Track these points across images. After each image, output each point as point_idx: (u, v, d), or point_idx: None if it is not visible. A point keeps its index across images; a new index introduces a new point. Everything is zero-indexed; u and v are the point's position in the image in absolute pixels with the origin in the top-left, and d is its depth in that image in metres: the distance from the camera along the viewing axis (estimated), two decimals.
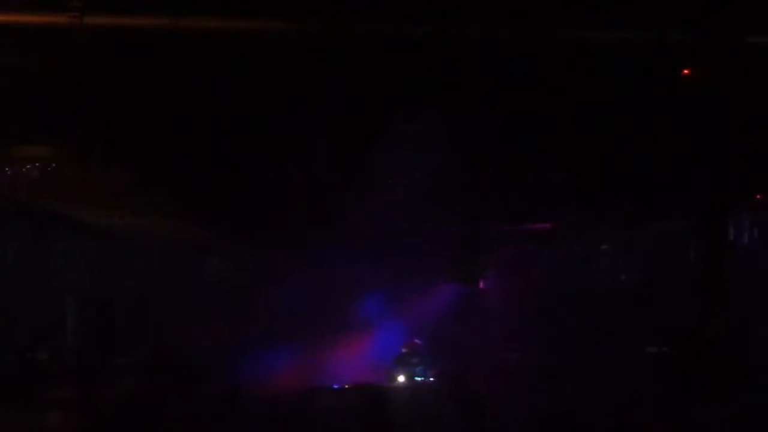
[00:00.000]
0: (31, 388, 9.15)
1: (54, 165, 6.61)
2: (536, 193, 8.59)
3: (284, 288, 12.48)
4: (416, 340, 11.65)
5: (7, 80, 4.75)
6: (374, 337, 12.31)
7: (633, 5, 4.24)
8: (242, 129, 6.38)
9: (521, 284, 12.45)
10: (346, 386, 10.77)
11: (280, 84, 5.23)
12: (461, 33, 4.29)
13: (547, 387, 9.61)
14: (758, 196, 8.32)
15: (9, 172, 6.79)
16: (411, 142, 6.60)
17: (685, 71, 4.72)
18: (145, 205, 8.71)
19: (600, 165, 7.41)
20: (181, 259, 12.24)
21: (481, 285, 11.96)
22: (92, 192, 8.01)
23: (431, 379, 11.22)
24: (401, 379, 10.78)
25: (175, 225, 10.14)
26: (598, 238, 11.64)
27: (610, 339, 11.19)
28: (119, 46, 4.24)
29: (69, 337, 11.41)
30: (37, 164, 6.60)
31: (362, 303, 12.58)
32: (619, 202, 9.07)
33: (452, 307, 12.40)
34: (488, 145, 6.87)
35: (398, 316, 12.16)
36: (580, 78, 5.07)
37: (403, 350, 11.59)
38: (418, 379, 11.06)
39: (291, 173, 7.73)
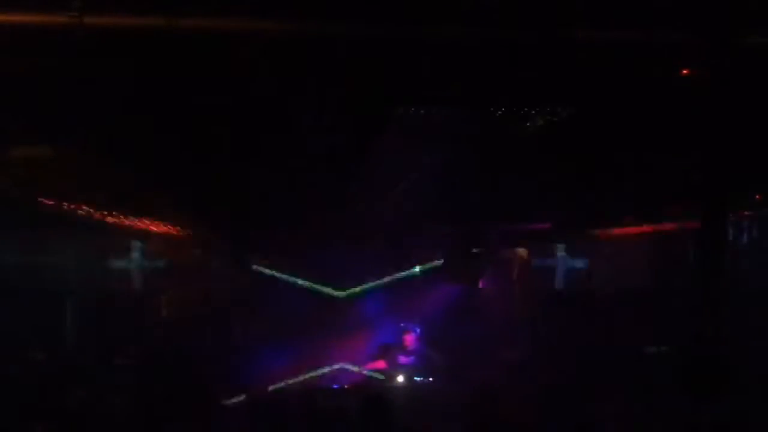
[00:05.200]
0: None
1: (54, 165, 6.60)
2: (535, 193, 8.59)
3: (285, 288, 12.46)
4: (409, 332, 11.44)
5: (6, 80, 4.75)
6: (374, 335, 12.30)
7: (632, 5, 4.23)
8: (241, 129, 6.38)
9: (520, 283, 12.45)
10: (346, 386, 10.77)
11: (280, 83, 5.23)
12: (460, 33, 4.28)
13: (548, 386, 9.61)
14: (758, 197, 8.34)
15: (9, 172, 6.79)
16: (411, 142, 6.61)
17: (685, 71, 4.72)
18: (146, 204, 8.72)
19: (598, 165, 7.42)
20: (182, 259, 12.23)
21: (481, 284, 11.95)
22: (92, 191, 8.02)
23: (431, 379, 11.19)
24: (400, 379, 10.75)
25: (177, 224, 10.17)
26: (598, 238, 11.63)
27: (610, 339, 11.20)
28: (119, 46, 4.23)
29: (68, 337, 11.42)
30: (36, 164, 6.59)
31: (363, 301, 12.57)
32: (618, 202, 9.08)
33: (452, 306, 12.39)
34: (487, 144, 6.88)
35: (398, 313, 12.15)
36: (578, 78, 5.07)
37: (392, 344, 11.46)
38: (418, 379, 11.03)
39: (291, 173, 7.74)
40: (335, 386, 10.78)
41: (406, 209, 9.36)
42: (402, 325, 11.53)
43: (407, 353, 11.28)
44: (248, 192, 8.55)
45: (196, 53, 4.41)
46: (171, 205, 8.89)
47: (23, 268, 11.02)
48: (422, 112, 5.85)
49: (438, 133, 6.52)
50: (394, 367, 10.99)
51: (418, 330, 11.43)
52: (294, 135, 6.50)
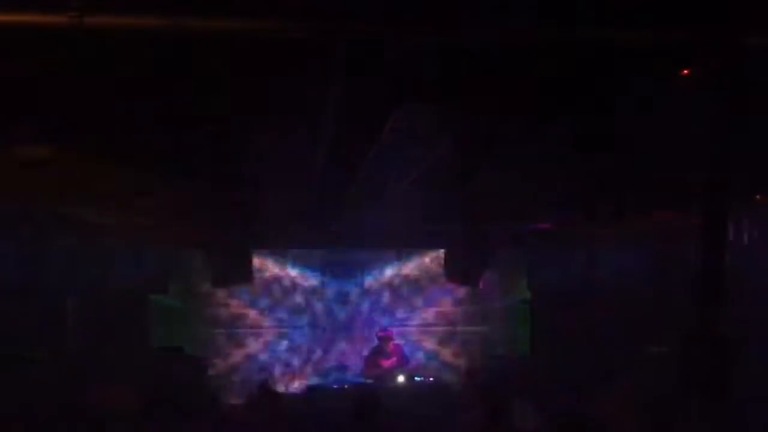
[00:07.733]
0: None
1: (53, 165, 6.60)
2: (536, 193, 8.60)
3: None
4: (387, 336, 11.45)
5: (6, 80, 4.75)
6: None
7: (633, 5, 4.23)
8: (241, 129, 6.39)
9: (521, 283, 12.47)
10: (346, 386, 10.80)
11: (280, 83, 5.24)
12: (460, 33, 4.29)
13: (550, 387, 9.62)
14: (758, 197, 8.33)
15: (9, 172, 6.79)
16: (412, 142, 6.61)
17: (685, 71, 4.72)
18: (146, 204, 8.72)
19: (599, 165, 7.42)
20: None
21: (481, 285, 11.99)
22: (92, 191, 8.02)
23: (431, 379, 11.22)
24: (401, 379, 10.77)
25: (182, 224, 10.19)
26: (598, 238, 11.64)
27: (610, 338, 11.21)
28: (120, 46, 4.23)
29: (69, 337, 11.42)
30: (37, 164, 6.58)
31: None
32: (618, 202, 9.08)
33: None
34: (487, 144, 6.89)
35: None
36: (578, 77, 5.08)
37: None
38: (418, 378, 11.06)
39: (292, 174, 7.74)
40: (335, 386, 10.81)
41: (407, 209, 9.37)
42: (380, 332, 11.63)
43: (389, 356, 11.34)
44: (247, 192, 8.55)
45: (198, 53, 4.42)
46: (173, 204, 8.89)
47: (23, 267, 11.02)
48: (422, 111, 5.85)
49: (437, 133, 6.53)
50: (379, 372, 11.03)
51: (394, 333, 11.55)
52: (294, 133, 6.51)
